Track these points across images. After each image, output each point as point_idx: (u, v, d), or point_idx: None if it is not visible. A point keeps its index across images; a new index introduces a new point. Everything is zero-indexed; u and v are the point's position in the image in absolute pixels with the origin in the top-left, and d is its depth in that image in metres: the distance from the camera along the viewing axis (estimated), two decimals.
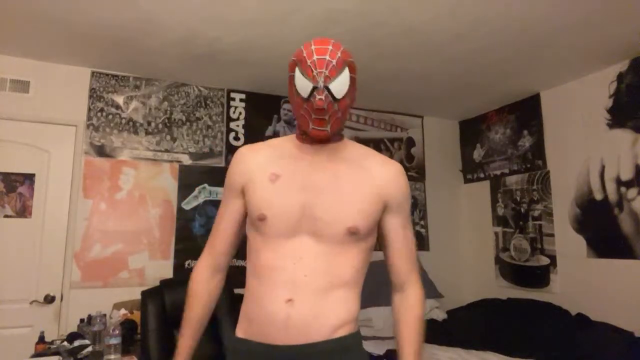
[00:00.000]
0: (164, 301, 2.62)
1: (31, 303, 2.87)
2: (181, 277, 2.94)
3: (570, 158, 3.35)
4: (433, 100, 3.90)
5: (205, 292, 1.28)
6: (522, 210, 3.74)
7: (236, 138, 3.58)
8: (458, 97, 3.83)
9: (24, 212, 2.93)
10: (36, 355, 2.33)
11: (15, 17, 2.49)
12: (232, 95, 3.62)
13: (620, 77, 3.04)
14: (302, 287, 1.11)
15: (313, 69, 1.08)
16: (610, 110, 3.09)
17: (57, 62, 3.08)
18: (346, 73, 1.11)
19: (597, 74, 3.18)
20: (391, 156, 3.95)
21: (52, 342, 2.52)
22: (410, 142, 4.24)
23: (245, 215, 1.26)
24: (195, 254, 3.26)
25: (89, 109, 3.16)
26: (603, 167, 3.11)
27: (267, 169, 1.19)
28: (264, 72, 3.23)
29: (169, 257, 3.23)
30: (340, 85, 1.10)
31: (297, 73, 1.11)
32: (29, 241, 2.91)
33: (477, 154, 4.27)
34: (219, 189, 3.43)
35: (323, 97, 1.07)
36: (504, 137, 3.99)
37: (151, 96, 3.36)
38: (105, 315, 2.60)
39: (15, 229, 2.89)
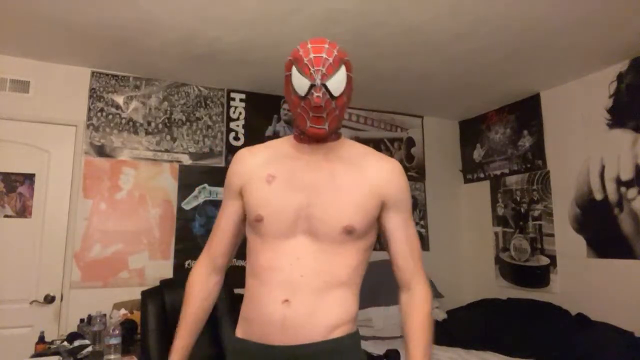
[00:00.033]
0: (164, 301, 2.62)
1: (31, 303, 2.87)
2: (181, 277, 2.93)
3: (570, 158, 3.35)
4: (433, 100, 3.90)
5: (202, 292, 1.28)
6: (522, 210, 3.74)
7: (236, 138, 3.58)
8: (458, 97, 3.83)
9: (24, 212, 2.93)
10: (36, 355, 2.33)
11: (15, 17, 2.49)
12: (232, 95, 3.62)
13: (620, 77, 3.04)
14: (298, 288, 1.11)
15: (310, 67, 1.08)
16: (610, 110, 3.09)
17: (57, 62, 3.08)
18: (343, 71, 1.12)
19: (597, 74, 3.18)
20: (391, 156, 3.93)
21: (52, 342, 2.52)
22: (410, 142, 4.24)
23: (244, 216, 1.26)
24: (195, 254, 3.26)
25: (89, 109, 3.16)
26: (603, 167, 3.11)
27: (264, 170, 1.20)
28: (264, 72, 3.23)
29: (169, 257, 3.23)
30: (337, 82, 1.11)
31: (294, 72, 1.11)
32: (29, 241, 2.91)
33: (477, 154, 4.27)
34: (219, 189, 3.43)
35: (320, 95, 1.08)
36: (504, 137, 3.99)
37: (151, 96, 3.36)
38: (105, 315, 2.61)
39: (15, 229, 2.89)
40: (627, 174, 2.95)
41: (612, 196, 3.03)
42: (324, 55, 1.09)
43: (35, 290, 2.88)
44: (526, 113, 3.76)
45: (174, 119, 3.41)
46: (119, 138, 3.22)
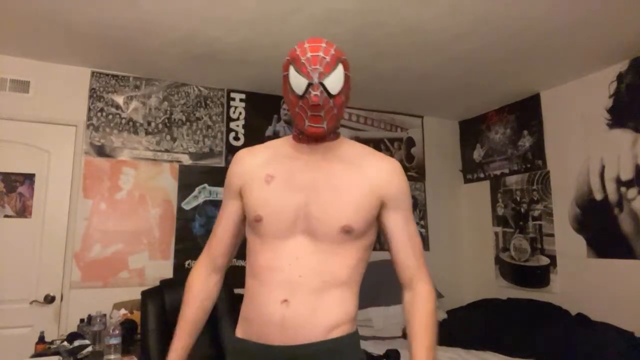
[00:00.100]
0: (164, 301, 2.62)
1: (31, 303, 2.87)
2: (181, 277, 2.92)
3: (570, 158, 3.35)
4: (433, 100, 3.90)
5: (202, 293, 1.28)
6: (522, 210, 3.74)
7: (236, 138, 3.58)
8: (458, 97, 3.83)
9: (24, 212, 2.93)
10: (36, 355, 2.33)
11: (15, 17, 2.49)
12: (232, 95, 3.62)
13: (620, 77, 3.04)
14: (297, 288, 1.11)
15: (307, 66, 1.09)
16: (610, 110, 3.09)
17: (57, 62, 3.08)
18: (340, 69, 1.12)
19: (597, 74, 3.18)
20: (391, 156, 3.94)
21: (52, 342, 2.52)
22: (410, 142, 4.24)
23: (243, 216, 1.27)
24: (195, 254, 3.26)
25: (89, 109, 3.16)
26: (603, 167, 3.11)
27: (263, 171, 1.21)
28: (264, 72, 3.23)
29: (169, 257, 3.23)
30: (334, 81, 1.11)
31: (292, 71, 1.12)
32: (29, 241, 2.91)
33: (477, 154, 4.27)
34: (219, 189, 3.43)
35: (318, 93, 1.08)
36: (504, 137, 3.99)
37: (151, 96, 3.36)
38: (105, 315, 2.61)
39: (15, 229, 2.89)
40: (627, 174, 2.95)
41: (612, 196, 3.03)
42: (321, 54, 1.10)
43: (35, 290, 2.88)
44: (526, 113, 3.76)
45: (174, 119, 3.41)
46: (119, 138, 3.22)
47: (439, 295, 3.64)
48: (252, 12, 2.44)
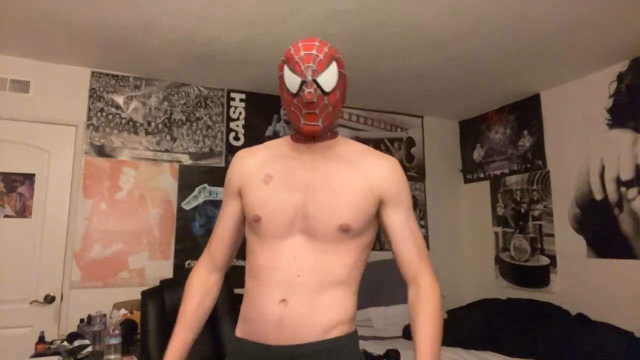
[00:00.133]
0: (164, 301, 2.62)
1: (31, 303, 2.87)
2: (181, 277, 2.93)
3: (570, 158, 3.35)
4: (433, 100, 3.90)
5: (201, 290, 1.28)
6: (522, 210, 3.74)
7: (236, 138, 3.58)
8: (458, 97, 3.83)
9: (24, 212, 2.93)
10: (36, 355, 2.33)
11: (15, 17, 2.49)
12: (232, 95, 3.62)
13: (620, 77, 3.04)
14: (295, 287, 1.11)
15: (301, 64, 1.10)
16: (610, 110, 3.09)
17: (57, 62, 3.08)
18: (334, 67, 1.12)
19: (597, 74, 3.18)
20: (391, 156, 3.95)
21: (52, 342, 2.52)
22: (410, 142, 4.24)
23: (243, 217, 1.27)
24: (195, 254, 3.27)
25: (89, 109, 3.16)
26: (603, 167, 3.11)
27: (262, 171, 1.21)
28: (264, 72, 3.23)
29: (169, 257, 3.23)
30: (328, 78, 1.11)
31: (286, 70, 1.13)
32: (29, 241, 2.91)
33: (477, 154, 4.27)
34: (219, 189, 3.43)
35: (312, 90, 1.09)
36: (504, 137, 3.99)
37: (151, 96, 3.36)
38: (105, 315, 2.60)
39: (15, 229, 2.89)
40: (627, 174, 2.95)
41: (612, 196, 3.03)
42: (314, 52, 1.10)
43: (35, 290, 2.88)
44: (526, 113, 3.76)
45: (174, 119, 3.41)
46: (119, 138, 3.22)
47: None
48: (252, 12, 2.44)
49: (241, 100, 3.64)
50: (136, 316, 2.74)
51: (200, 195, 3.40)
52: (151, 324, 2.52)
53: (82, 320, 2.74)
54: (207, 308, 1.29)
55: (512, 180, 3.86)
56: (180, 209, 3.32)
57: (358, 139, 1.32)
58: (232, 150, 3.49)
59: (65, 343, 2.42)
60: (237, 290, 2.09)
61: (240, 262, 2.84)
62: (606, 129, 3.10)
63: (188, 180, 3.37)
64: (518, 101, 3.83)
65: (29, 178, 2.96)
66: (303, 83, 1.10)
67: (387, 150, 4.09)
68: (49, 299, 2.89)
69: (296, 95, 1.11)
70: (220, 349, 2.46)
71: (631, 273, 2.89)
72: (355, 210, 1.15)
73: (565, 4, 2.33)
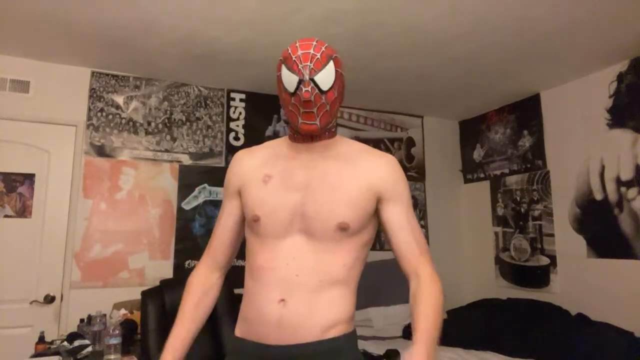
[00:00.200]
0: (164, 301, 2.62)
1: (31, 303, 2.87)
2: (181, 277, 2.94)
3: (570, 158, 3.35)
4: (433, 100, 3.90)
5: (202, 288, 1.27)
6: (522, 210, 3.74)
7: (236, 138, 3.58)
8: (458, 97, 3.83)
9: (24, 212, 2.93)
10: (36, 355, 2.33)
11: (15, 17, 2.49)
12: (232, 95, 3.62)
13: (620, 77, 3.04)
14: (294, 287, 1.11)
15: (298, 63, 1.10)
16: (610, 110, 3.09)
17: (57, 62, 3.08)
18: (331, 66, 1.13)
19: (597, 74, 3.18)
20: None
21: (52, 342, 2.52)
22: (410, 142, 4.24)
23: (243, 217, 1.27)
24: (195, 254, 3.27)
25: (89, 109, 3.16)
26: (603, 167, 3.11)
27: (261, 171, 1.22)
28: (264, 72, 3.23)
29: (169, 257, 3.23)
30: (325, 77, 1.12)
31: (284, 70, 1.13)
32: (29, 241, 2.91)
33: (477, 154, 4.27)
34: (219, 189, 3.43)
35: (309, 89, 1.09)
36: (504, 137, 3.99)
37: (151, 96, 3.36)
38: (105, 315, 2.60)
39: (15, 229, 2.89)
40: (627, 174, 2.95)
41: (612, 196, 3.03)
42: (312, 52, 1.11)
43: (35, 290, 2.88)
44: (526, 113, 3.76)
45: (174, 119, 3.41)
46: (119, 138, 3.22)
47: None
48: (252, 12, 2.44)
49: (241, 100, 3.64)
50: (136, 316, 2.74)
51: (200, 195, 3.40)
52: (151, 324, 2.52)
53: (82, 320, 2.74)
54: (207, 307, 1.28)
55: (512, 180, 3.86)
56: (180, 209, 3.32)
57: (358, 139, 1.32)
58: (232, 150, 3.49)
59: (65, 343, 2.42)
60: (237, 290, 2.09)
61: (240, 262, 2.83)
62: (606, 129, 3.10)
63: (188, 180, 3.37)
64: (518, 101, 3.83)
65: (29, 178, 2.96)
66: (300, 82, 1.10)
67: (387, 150, 4.09)
68: (49, 299, 2.89)
69: (294, 94, 1.12)
70: (220, 349, 2.46)
71: (631, 273, 2.89)
72: (354, 209, 1.15)
73: (565, 4, 2.33)
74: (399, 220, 1.19)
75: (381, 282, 3.23)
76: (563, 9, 2.38)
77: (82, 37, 2.72)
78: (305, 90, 1.09)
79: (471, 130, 4.36)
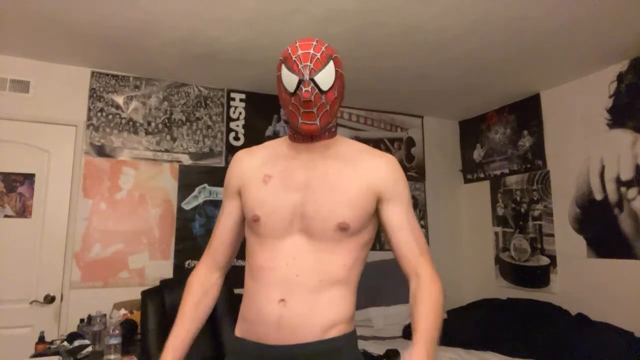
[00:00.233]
0: (164, 301, 2.62)
1: (31, 303, 2.87)
2: (181, 277, 2.94)
3: (570, 158, 3.35)
4: (433, 100, 3.90)
5: (200, 291, 1.27)
6: (522, 210, 3.74)
7: (236, 138, 3.58)
8: (458, 97, 3.83)
9: (24, 212, 2.93)
10: (36, 355, 2.33)
11: (15, 17, 2.49)
12: (232, 95, 3.62)
13: (620, 77, 3.04)
14: (294, 287, 1.11)
15: (298, 63, 1.10)
16: (610, 110, 3.09)
17: (57, 62, 3.08)
18: (331, 66, 1.13)
19: (597, 74, 3.18)
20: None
21: (52, 342, 2.52)
22: (410, 142, 4.24)
23: (243, 217, 1.27)
24: (195, 254, 3.27)
25: (89, 109, 3.17)
26: (603, 167, 3.11)
27: (261, 171, 1.22)
28: (264, 72, 3.23)
29: (169, 257, 3.23)
30: (325, 77, 1.12)
31: (284, 70, 1.13)
32: (29, 241, 2.91)
33: (477, 154, 4.27)
34: (219, 189, 3.43)
35: (309, 89, 1.09)
36: (504, 137, 3.99)
37: (151, 96, 3.36)
38: (105, 315, 2.60)
39: (15, 229, 2.89)
40: (627, 174, 2.95)
41: (612, 196, 3.03)
42: (312, 52, 1.11)
43: (35, 290, 2.88)
44: (526, 113, 3.76)
45: (174, 119, 3.41)
46: (119, 138, 3.22)
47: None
48: (252, 12, 2.44)
49: (241, 100, 3.64)
50: (136, 316, 2.74)
51: (200, 195, 3.40)
52: (151, 324, 2.52)
53: (82, 320, 2.74)
54: (207, 307, 1.28)
55: (512, 180, 3.86)
56: (180, 209, 3.32)
57: (358, 139, 1.32)
58: (232, 150, 3.49)
59: (65, 343, 2.42)
60: (237, 290, 2.09)
61: (240, 262, 2.84)
62: (606, 129, 3.10)
63: (188, 180, 3.37)
64: (518, 101, 3.83)
65: (29, 178, 2.96)
66: (300, 82, 1.10)
67: (387, 150, 4.09)
68: (49, 299, 2.89)
69: (294, 94, 1.12)
70: (220, 349, 2.46)
71: (631, 273, 2.89)
72: (354, 209, 1.15)
73: (565, 4, 2.33)
74: (399, 220, 1.19)
75: (381, 282, 3.23)
76: (563, 9, 2.38)
77: (82, 37, 2.72)
78: (305, 90, 1.09)
79: (471, 130, 4.36)
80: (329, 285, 1.13)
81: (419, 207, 4.16)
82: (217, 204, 3.38)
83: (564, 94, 3.44)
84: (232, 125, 3.59)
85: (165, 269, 3.20)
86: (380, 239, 3.61)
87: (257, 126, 3.65)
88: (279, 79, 1.15)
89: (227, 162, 3.42)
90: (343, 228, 1.13)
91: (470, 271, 4.20)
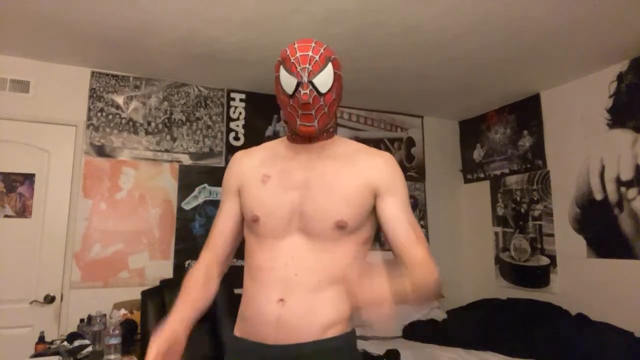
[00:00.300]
0: (164, 301, 2.62)
1: (31, 303, 2.87)
2: (181, 277, 2.93)
3: (570, 158, 3.35)
4: (433, 100, 3.90)
5: (201, 280, 1.24)
6: (522, 210, 3.74)
7: (236, 138, 3.58)
8: (458, 97, 3.83)
9: (24, 212, 2.93)
10: (36, 355, 2.33)
11: (15, 17, 2.49)
12: (232, 95, 3.62)
13: (620, 77, 3.04)
14: (293, 287, 1.12)
15: (297, 65, 1.10)
16: (610, 110, 3.09)
17: (57, 62, 3.08)
18: (329, 68, 1.13)
19: (597, 74, 3.18)
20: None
21: (52, 342, 2.51)
22: (410, 142, 4.24)
23: (241, 217, 1.27)
24: (195, 254, 3.26)
25: (89, 109, 3.16)
26: (603, 167, 3.11)
27: (260, 171, 1.22)
28: (264, 72, 3.22)
29: (169, 257, 3.23)
30: (324, 79, 1.12)
31: (282, 71, 1.14)
32: (29, 241, 2.91)
33: (477, 154, 4.27)
34: (219, 189, 3.43)
35: (308, 92, 1.10)
36: (504, 137, 3.99)
37: (151, 96, 3.36)
38: (105, 315, 2.60)
39: (15, 229, 2.89)
40: (627, 174, 2.95)
41: (612, 196, 3.03)
42: (310, 54, 1.11)
43: (35, 290, 2.88)
44: (526, 113, 3.76)
45: (174, 119, 3.41)
46: (119, 138, 3.22)
47: (439, 295, 3.64)
48: (252, 12, 2.44)
49: (241, 100, 3.64)
50: (136, 316, 2.74)
51: (200, 195, 3.40)
52: (151, 324, 2.52)
53: (82, 320, 2.74)
54: (206, 299, 1.23)
55: (512, 180, 3.86)
56: (180, 209, 3.32)
57: (358, 139, 1.33)
58: (232, 150, 3.49)
59: (65, 343, 2.42)
60: (236, 290, 2.09)
61: (239, 262, 2.84)
62: (606, 129, 3.10)
63: (188, 180, 3.37)
64: (518, 101, 3.83)
65: (29, 178, 2.96)
66: (299, 84, 1.10)
67: (387, 150, 4.08)
68: (49, 299, 2.89)
69: (292, 96, 1.12)
70: (220, 349, 2.46)
71: (631, 273, 2.89)
72: (351, 206, 1.15)
73: (565, 4, 2.33)
74: (396, 214, 1.19)
75: None
76: (563, 9, 2.38)
77: (82, 37, 2.72)
78: (304, 93, 1.09)
79: (471, 130, 4.36)
80: (328, 284, 1.13)
81: (419, 207, 4.16)
82: (217, 204, 3.34)
83: (564, 94, 3.44)
84: (232, 125, 3.59)
85: (165, 269, 3.20)
86: (380, 239, 3.61)
87: (257, 126, 3.65)
88: (277, 80, 1.16)
89: (227, 162, 3.40)
90: (341, 226, 1.14)
91: (470, 271, 4.20)
